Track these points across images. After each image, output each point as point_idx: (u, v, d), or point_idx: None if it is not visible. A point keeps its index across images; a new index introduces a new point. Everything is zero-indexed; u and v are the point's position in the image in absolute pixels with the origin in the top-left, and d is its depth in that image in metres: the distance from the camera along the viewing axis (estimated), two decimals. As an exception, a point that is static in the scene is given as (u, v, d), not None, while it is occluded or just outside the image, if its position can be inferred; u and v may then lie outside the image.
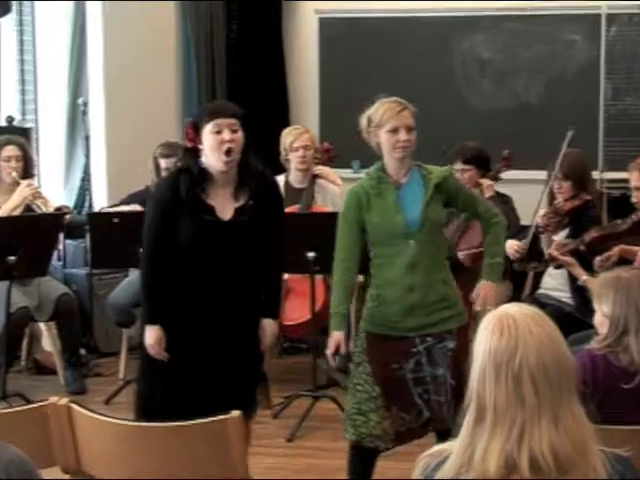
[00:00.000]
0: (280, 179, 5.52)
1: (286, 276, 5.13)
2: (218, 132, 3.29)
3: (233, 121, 3.31)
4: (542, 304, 4.43)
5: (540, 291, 4.84)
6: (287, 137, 5.50)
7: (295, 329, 5.22)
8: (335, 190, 5.50)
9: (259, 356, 3.60)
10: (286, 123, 7.17)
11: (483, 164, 5.24)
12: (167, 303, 3.41)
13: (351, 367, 3.71)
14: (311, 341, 5.01)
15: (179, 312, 3.42)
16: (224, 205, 3.35)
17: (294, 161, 5.47)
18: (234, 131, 3.30)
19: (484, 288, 3.64)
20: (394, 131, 3.50)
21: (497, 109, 7.41)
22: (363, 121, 3.60)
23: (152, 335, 3.42)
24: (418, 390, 3.51)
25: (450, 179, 3.60)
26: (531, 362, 1.78)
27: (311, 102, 7.83)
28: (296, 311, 5.14)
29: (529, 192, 5.19)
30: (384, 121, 3.52)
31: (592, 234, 4.43)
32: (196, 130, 3.35)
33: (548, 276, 4.78)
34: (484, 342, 1.83)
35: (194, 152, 3.36)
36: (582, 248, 4.45)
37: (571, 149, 4.86)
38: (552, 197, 4.83)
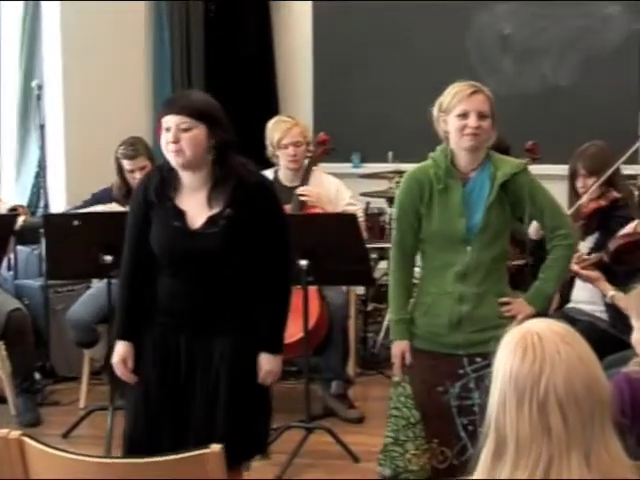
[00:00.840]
0: (267, 174, 5.52)
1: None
2: (167, 129, 3.36)
3: (182, 119, 3.33)
4: (572, 320, 4.45)
5: (570, 305, 4.84)
6: (274, 132, 5.49)
7: (284, 350, 5.20)
8: (333, 184, 5.48)
9: (256, 396, 3.52)
10: (274, 110, 7.18)
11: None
12: (143, 317, 3.48)
13: (392, 391, 3.76)
14: (303, 363, 5.01)
15: (152, 329, 3.47)
16: (197, 212, 3.40)
17: (283, 159, 5.47)
18: (184, 130, 3.33)
19: (519, 306, 3.66)
20: (463, 115, 3.56)
21: (520, 93, 7.40)
22: (435, 109, 3.66)
23: (118, 352, 3.52)
24: (463, 421, 3.55)
25: (520, 178, 3.63)
26: (559, 388, 1.78)
27: (303, 85, 7.83)
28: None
29: (557, 190, 5.20)
30: (453, 105, 3.59)
31: (617, 242, 4.43)
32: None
33: (579, 287, 4.78)
34: (505, 363, 1.83)
35: None
36: (606, 260, 4.46)
37: (592, 142, 4.88)
38: (576, 196, 4.83)
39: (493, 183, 3.58)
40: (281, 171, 5.54)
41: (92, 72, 6.69)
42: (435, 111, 3.66)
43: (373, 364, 6.14)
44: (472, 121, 3.55)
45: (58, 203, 6.34)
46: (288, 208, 5.31)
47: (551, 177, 6.03)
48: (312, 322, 4.99)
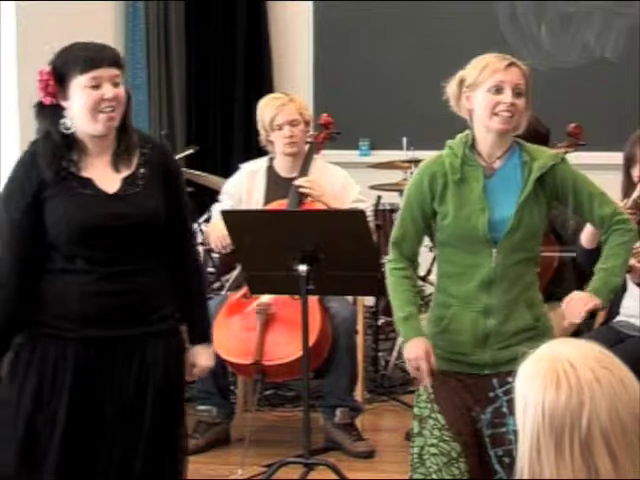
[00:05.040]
0: (260, 164, 5.50)
1: (268, 298, 5.11)
2: (96, 87, 3.32)
3: (115, 72, 3.35)
4: (620, 335, 4.48)
5: (619, 318, 4.82)
6: (265, 111, 5.43)
7: (280, 371, 5.20)
8: (338, 176, 5.45)
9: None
10: (268, 90, 7.15)
11: (538, 141, 5.21)
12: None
13: (415, 428, 3.70)
14: (302, 387, 4.98)
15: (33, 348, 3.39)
16: (105, 178, 3.39)
17: (279, 143, 5.41)
18: (116, 84, 3.35)
19: (585, 299, 3.55)
20: (496, 90, 3.54)
21: (559, 68, 7.41)
22: (453, 84, 3.63)
23: None
24: (497, 452, 3.53)
25: (560, 169, 3.62)
26: (603, 420, 1.77)
27: (301, 58, 7.83)
28: (282, 346, 5.11)
29: (604, 181, 5.17)
30: (484, 77, 3.55)
31: None
32: (61, 81, 3.34)
33: (630, 297, 4.77)
34: (535, 400, 1.82)
35: (54, 111, 3.36)
36: None
37: None
38: (633, 187, 4.80)
39: (528, 175, 3.57)
40: (277, 159, 5.49)
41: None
42: (453, 86, 3.62)
43: (385, 388, 6.14)
44: (507, 96, 3.52)
45: None
46: (285, 203, 5.30)
47: (597, 167, 6.00)
48: (313, 338, 4.96)
